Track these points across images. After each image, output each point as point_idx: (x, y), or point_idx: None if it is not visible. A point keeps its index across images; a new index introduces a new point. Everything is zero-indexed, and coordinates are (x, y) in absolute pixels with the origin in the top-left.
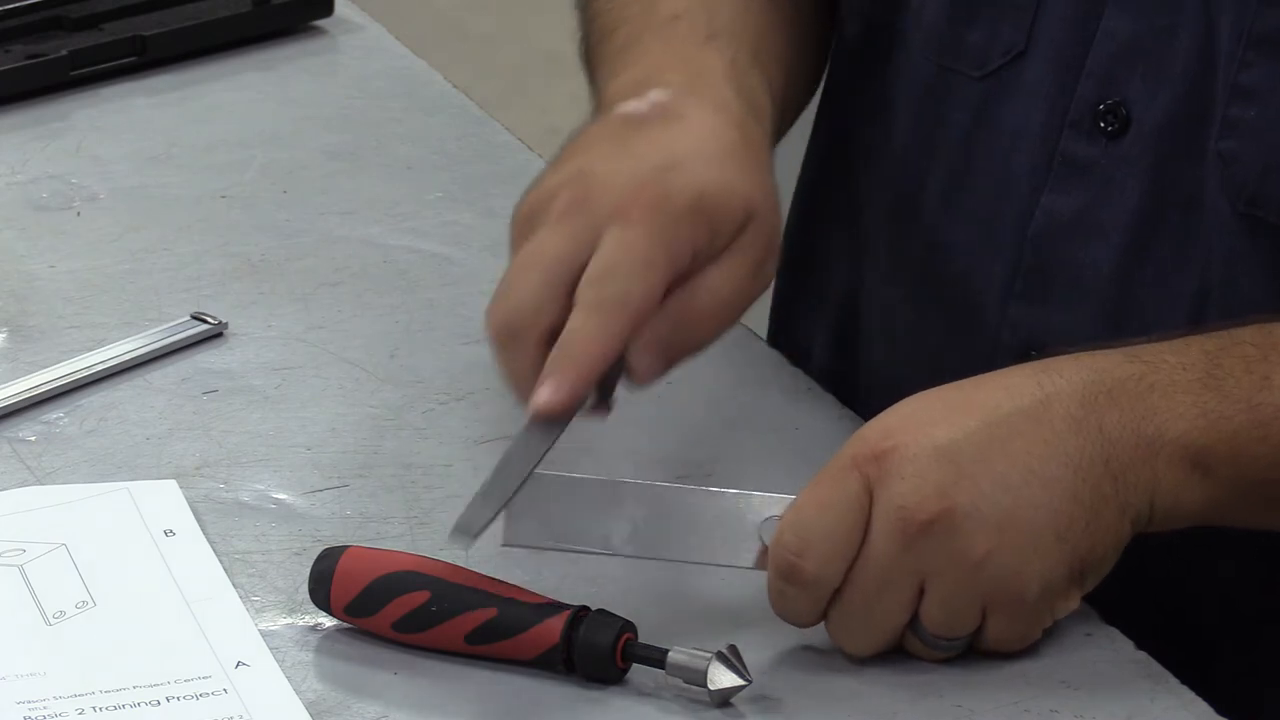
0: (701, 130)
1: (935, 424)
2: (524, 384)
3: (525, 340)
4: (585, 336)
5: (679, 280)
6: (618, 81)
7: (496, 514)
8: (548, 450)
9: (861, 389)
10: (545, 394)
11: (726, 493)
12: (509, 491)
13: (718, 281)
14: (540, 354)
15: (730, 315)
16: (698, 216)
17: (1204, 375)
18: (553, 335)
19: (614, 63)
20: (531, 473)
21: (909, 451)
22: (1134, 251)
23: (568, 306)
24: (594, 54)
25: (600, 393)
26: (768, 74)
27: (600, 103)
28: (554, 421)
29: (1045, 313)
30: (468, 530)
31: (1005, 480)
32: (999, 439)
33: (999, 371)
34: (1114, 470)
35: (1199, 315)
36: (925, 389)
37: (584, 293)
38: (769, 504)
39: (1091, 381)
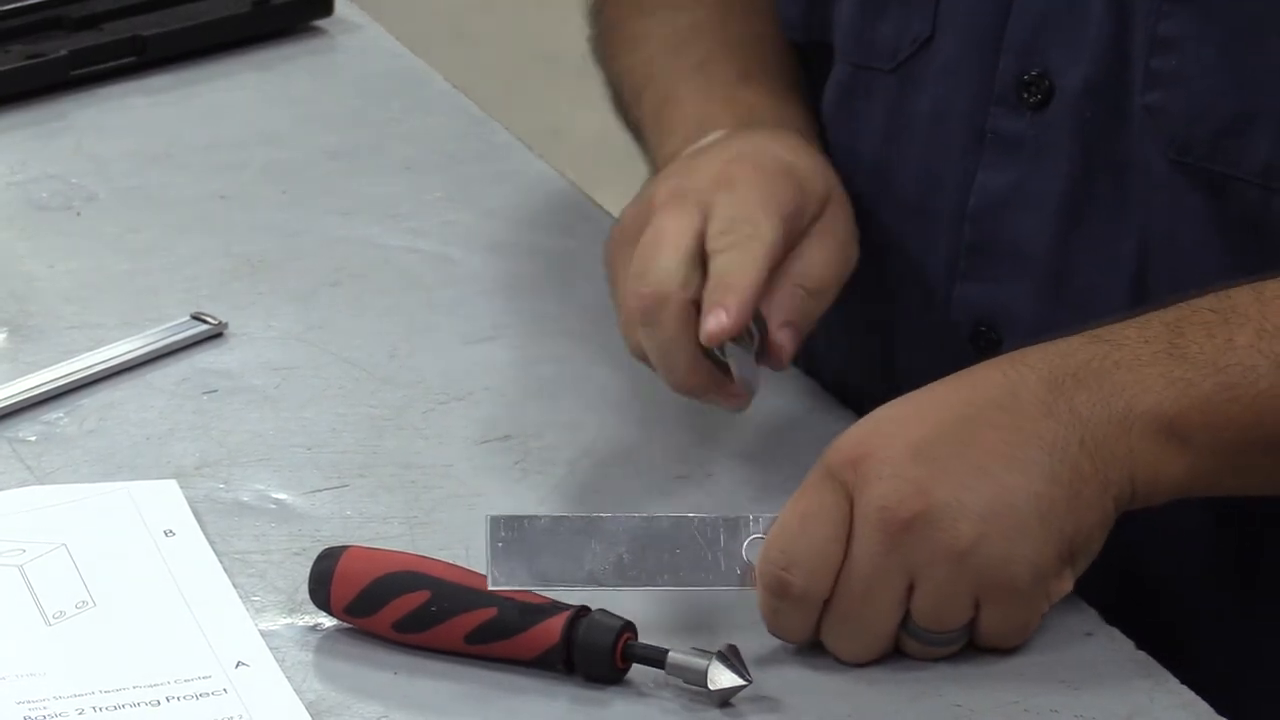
0: (768, 138)
1: (908, 425)
2: (674, 357)
3: (671, 311)
4: (734, 269)
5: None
6: (671, 144)
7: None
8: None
9: (820, 378)
10: (713, 321)
11: (708, 517)
12: (754, 358)
13: (819, 256)
14: (687, 324)
15: (833, 293)
16: (791, 179)
17: (1167, 346)
18: (694, 306)
19: (658, 124)
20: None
21: (884, 454)
22: (1071, 217)
23: (702, 277)
24: (630, 113)
25: (745, 383)
26: (802, 103)
27: (659, 165)
28: (738, 343)
29: (991, 289)
30: (753, 389)
31: (983, 469)
32: (972, 431)
33: (965, 370)
34: (1089, 448)
35: (1141, 274)
36: (876, 377)
37: (718, 240)
38: (752, 524)
39: (1056, 366)
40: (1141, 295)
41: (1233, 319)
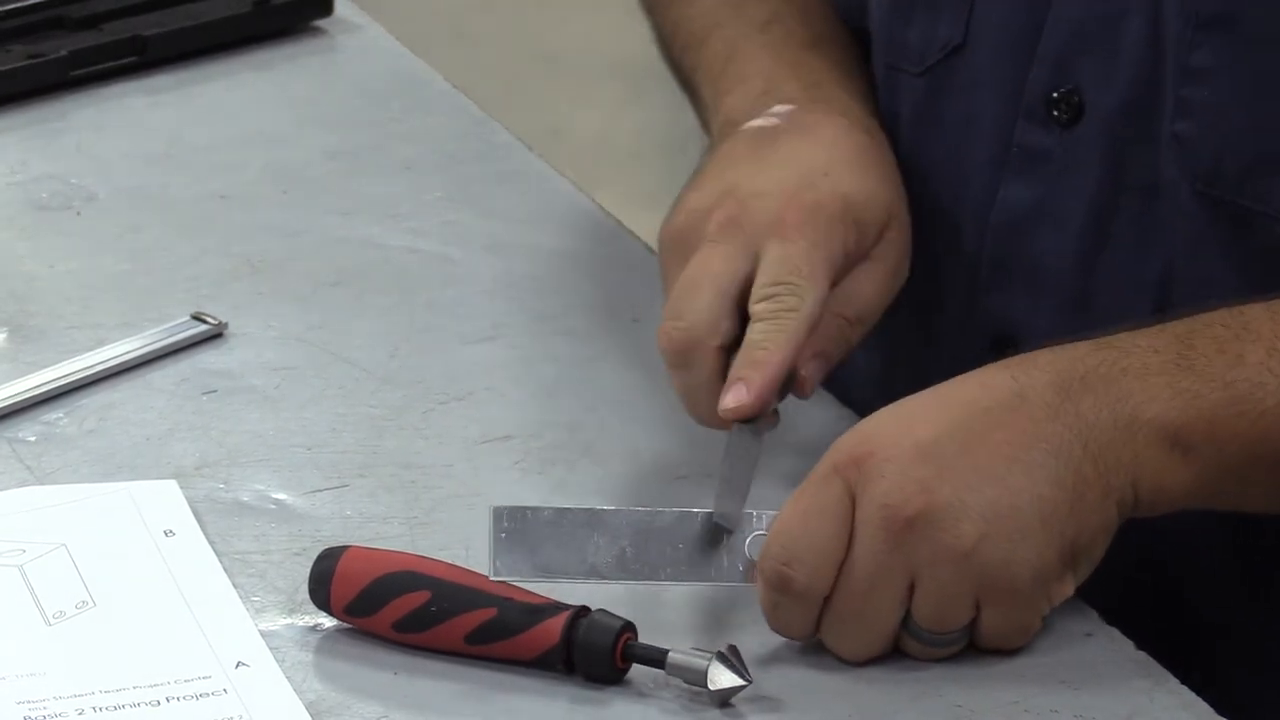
0: (834, 138)
1: (913, 425)
2: (702, 399)
3: (703, 357)
4: (767, 343)
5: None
6: (734, 97)
7: (745, 500)
8: (760, 451)
9: (840, 380)
10: (733, 397)
11: (710, 513)
12: (747, 481)
13: (866, 287)
14: (717, 369)
15: (876, 318)
16: (847, 221)
17: (1176, 357)
18: (726, 350)
19: (721, 76)
20: (754, 471)
21: (888, 452)
22: (1094, 238)
23: (737, 322)
24: (685, 60)
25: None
26: (866, 78)
27: (721, 120)
28: (751, 423)
29: (1011, 302)
30: (731, 522)
31: (987, 470)
32: (977, 432)
33: (973, 371)
34: (1093, 452)
35: (1163, 299)
36: (897, 382)
37: (759, 307)
38: (754, 521)
39: (1064, 370)
40: (1164, 321)
41: (1244, 335)
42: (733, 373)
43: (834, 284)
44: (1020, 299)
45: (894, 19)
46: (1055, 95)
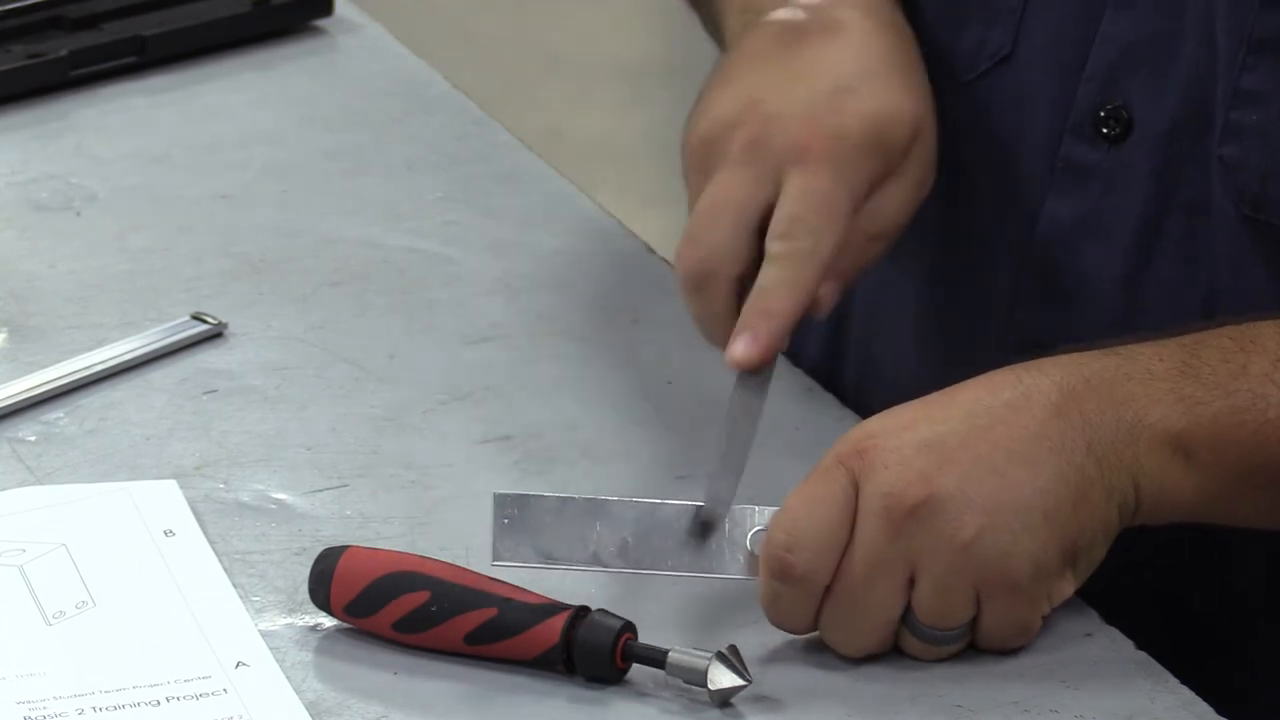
0: (862, 41)
1: (917, 420)
2: (717, 327)
3: (718, 286)
4: (780, 289)
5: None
6: None
7: (739, 479)
8: (763, 402)
9: (860, 388)
10: (742, 348)
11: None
12: (745, 454)
13: (889, 205)
14: (732, 298)
15: (898, 234)
16: (874, 147)
17: (1180, 365)
18: (743, 279)
19: None
20: (757, 428)
21: (892, 443)
22: (1139, 256)
23: (756, 249)
24: None
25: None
26: None
27: (740, 5)
28: (757, 373)
29: (1052, 317)
30: (720, 503)
31: (989, 463)
32: (981, 427)
33: (982, 375)
34: (1097, 453)
35: (1206, 318)
36: (926, 390)
37: (774, 245)
38: (756, 516)
39: (1069, 374)
40: None
41: (1250, 348)
42: (742, 319)
43: (856, 210)
44: (1062, 314)
45: (941, 24)
46: (1103, 113)
